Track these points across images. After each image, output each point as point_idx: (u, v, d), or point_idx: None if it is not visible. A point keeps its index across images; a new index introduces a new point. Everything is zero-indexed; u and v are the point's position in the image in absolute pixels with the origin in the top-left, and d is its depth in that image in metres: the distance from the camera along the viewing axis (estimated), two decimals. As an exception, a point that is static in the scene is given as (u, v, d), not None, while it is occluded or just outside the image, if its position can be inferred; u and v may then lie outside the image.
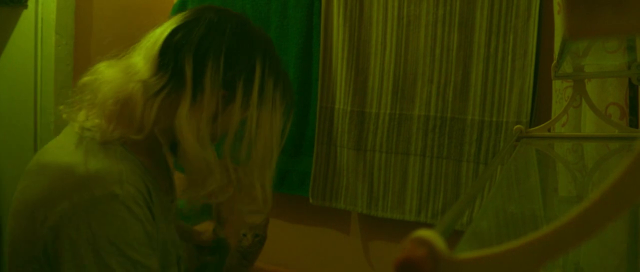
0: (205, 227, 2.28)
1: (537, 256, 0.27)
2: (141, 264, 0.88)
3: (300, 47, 2.05)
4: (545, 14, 1.66)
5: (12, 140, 2.25)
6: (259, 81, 1.01)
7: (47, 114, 2.12)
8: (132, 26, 2.38)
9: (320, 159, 2.08)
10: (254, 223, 2.01)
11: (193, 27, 0.97)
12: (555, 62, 1.13)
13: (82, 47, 2.17)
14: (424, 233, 0.28)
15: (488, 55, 1.75)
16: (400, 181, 1.93)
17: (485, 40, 1.75)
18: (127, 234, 0.87)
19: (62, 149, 0.93)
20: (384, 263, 2.08)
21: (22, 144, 2.22)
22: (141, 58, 0.97)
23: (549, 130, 1.30)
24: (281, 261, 2.31)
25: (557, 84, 1.49)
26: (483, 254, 0.28)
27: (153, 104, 0.93)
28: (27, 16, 2.15)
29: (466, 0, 1.77)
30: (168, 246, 1.02)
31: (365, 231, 2.12)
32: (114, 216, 0.86)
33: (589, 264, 0.79)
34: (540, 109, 1.72)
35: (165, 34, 0.97)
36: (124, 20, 2.35)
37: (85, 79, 0.98)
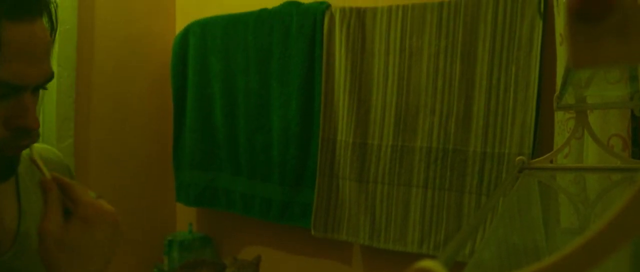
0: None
1: (540, 287, 0.26)
2: None
3: (302, 78, 2.06)
4: (547, 46, 1.67)
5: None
6: None
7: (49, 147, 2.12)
8: (134, 57, 2.39)
9: (322, 190, 2.07)
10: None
11: None
12: (557, 93, 1.13)
13: (84, 78, 2.17)
14: (426, 263, 0.28)
15: (490, 87, 1.75)
16: (403, 212, 1.92)
17: (487, 71, 1.76)
18: None
19: None
20: (387, 296, 2.06)
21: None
22: None
23: (551, 162, 1.30)
24: (282, 294, 2.29)
25: (559, 116, 1.49)
26: (485, 286, 0.28)
27: None
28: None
29: (468, 32, 1.78)
30: None
31: (367, 263, 2.10)
32: None
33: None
34: (542, 141, 1.72)
35: None
36: (126, 50, 2.35)
37: None
